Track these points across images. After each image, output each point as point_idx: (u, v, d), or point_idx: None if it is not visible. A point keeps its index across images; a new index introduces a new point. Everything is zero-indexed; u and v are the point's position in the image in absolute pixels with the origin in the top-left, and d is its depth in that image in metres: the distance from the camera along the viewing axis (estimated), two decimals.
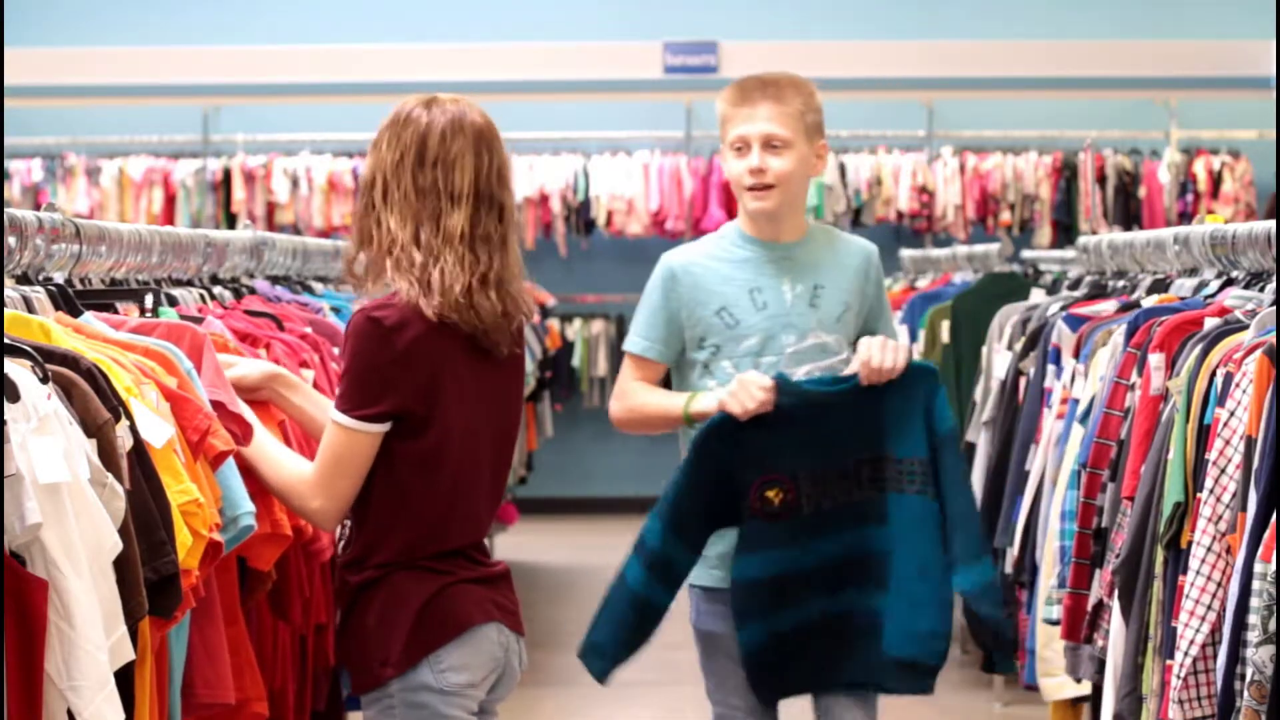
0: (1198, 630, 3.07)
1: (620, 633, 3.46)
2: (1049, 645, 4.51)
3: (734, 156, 3.60)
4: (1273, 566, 2.84)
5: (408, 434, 3.09)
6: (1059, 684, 4.52)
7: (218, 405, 2.91)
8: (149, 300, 3.37)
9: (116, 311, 3.24)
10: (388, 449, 3.09)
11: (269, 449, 3.13)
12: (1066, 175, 11.42)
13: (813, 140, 3.61)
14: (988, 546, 3.47)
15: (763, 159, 3.55)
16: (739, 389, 3.41)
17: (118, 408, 2.50)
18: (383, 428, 3.07)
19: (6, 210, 2.85)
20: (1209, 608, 3.06)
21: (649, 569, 3.42)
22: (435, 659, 3.08)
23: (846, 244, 3.69)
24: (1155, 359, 3.67)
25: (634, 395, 3.62)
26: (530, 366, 8.28)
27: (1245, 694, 2.87)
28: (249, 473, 3.01)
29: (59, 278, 3.20)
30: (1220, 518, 3.08)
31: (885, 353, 3.41)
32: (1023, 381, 5.06)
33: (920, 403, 3.43)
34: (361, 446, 3.07)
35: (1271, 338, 3.08)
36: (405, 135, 3.14)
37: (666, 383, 3.68)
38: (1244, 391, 3.06)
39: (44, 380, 2.32)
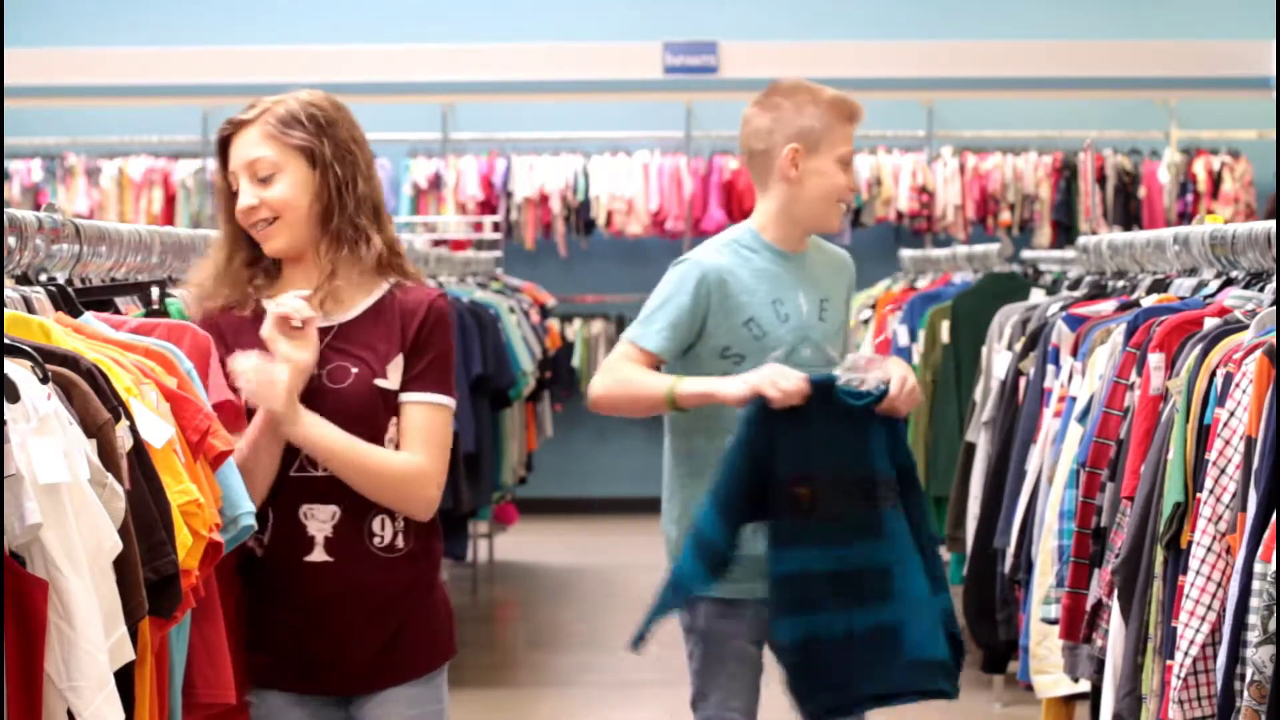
0: (1198, 630, 3.07)
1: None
2: (1042, 643, 4.51)
3: (841, 170, 3.69)
4: (1273, 566, 2.83)
5: None
6: (1053, 681, 4.51)
7: (218, 405, 2.91)
8: (155, 293, 3.36)
9: (116, 308, 3.24)
10: None
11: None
12: (1066, 175, 11.42)
13: None
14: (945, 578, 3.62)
15: (851, 179, 3.73)
16: (777, 375, 3.39)
17: (118, 408, 2.49)
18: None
19: (6, 210, 2.84)
20: (1209, 608, 3.06)
21: (698, 556, 3.41)
22: None
23: (833, 255, 3.80)
24: (1155, 359, 3.67)
25: (623, 370, 3.57)
26: (530, 366, 8.27)
27: (1245, 694, 2.87)
28: (248, 474, 3.00)
29: (60, 278, 3.19)
30: (1220, 518, 3.07)
31: (908, 384, 3.46)
32: (1022, 381, 5.05)
33: (884, 424, 3.49)
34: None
35: (1271, 338, 3.07)
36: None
37: None
38: (1244, 392, 3.06)
39: (44, 380, 2.32)
